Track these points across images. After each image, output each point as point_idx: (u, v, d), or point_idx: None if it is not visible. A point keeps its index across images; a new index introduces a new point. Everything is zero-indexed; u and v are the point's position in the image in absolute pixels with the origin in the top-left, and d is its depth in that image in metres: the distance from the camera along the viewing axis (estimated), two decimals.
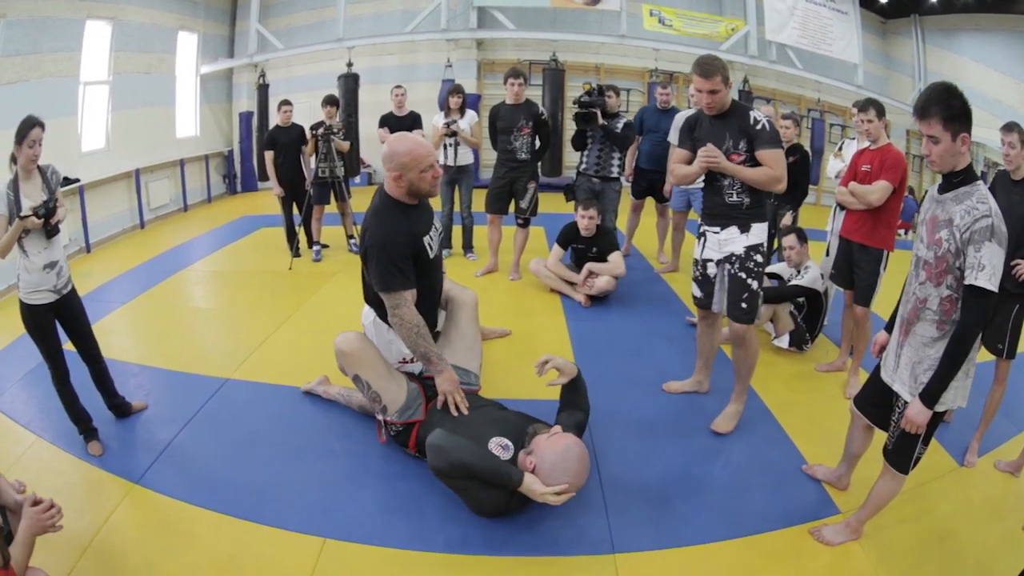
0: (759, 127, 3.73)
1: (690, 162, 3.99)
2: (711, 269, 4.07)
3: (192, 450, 3.80)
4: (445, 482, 3.20)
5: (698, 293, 4.21)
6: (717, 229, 3.99)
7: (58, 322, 3.76)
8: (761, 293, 4.00)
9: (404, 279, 3.51)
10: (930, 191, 2.77)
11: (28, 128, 3.44)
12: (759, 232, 3.92)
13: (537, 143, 6.48)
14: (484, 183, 7.09)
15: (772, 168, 3.74)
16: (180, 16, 10.54)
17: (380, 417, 3.74)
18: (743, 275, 3.92)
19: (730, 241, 3.94)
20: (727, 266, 3.98)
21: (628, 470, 3.68)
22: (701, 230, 4.11)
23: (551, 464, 3.10)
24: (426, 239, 3.66)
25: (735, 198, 3.88)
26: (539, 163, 6.69)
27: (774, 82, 12.36)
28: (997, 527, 3.36)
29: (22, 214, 3.43)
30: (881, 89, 12.24)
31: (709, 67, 3.68)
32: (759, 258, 3.92)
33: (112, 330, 5.38)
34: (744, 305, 3.93)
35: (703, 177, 4.02)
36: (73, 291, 3.81)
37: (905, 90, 12.64)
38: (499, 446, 3.27)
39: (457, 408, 3.57)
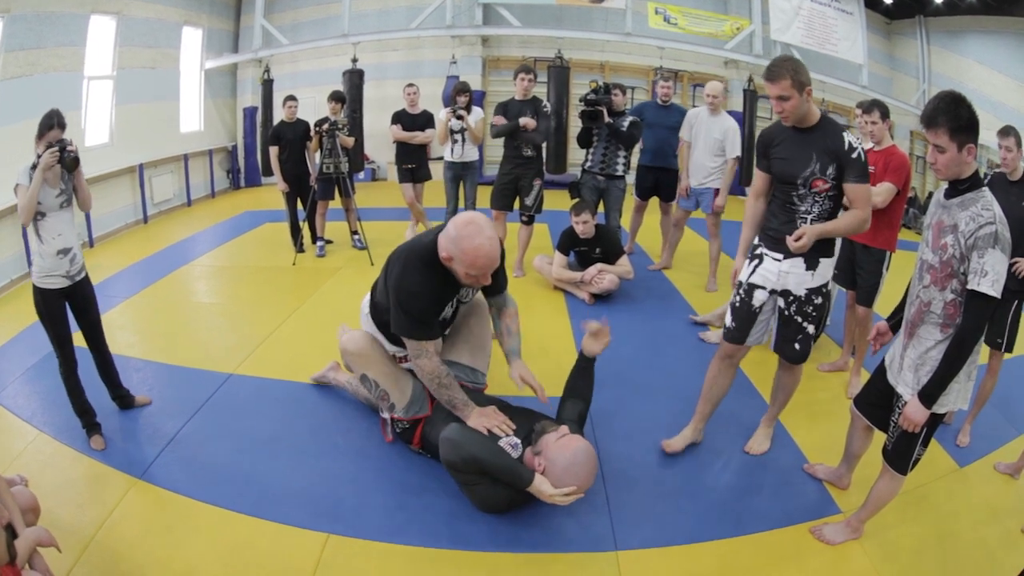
0: (854, 155, 3.20)
1: (769, 185, 3.52)
2: (758, 297, 3.54)
3: (196, 445, 3.81)
4: (455, 476, 3.23)
5: (731, 323, 3.66)
6: (779, 256, 3.43)
7: (69, 308, 3.79)
8: (817, 335, 3.60)
9: (427, 330, 3.41)
10: (936, 195, 2.77)
11: (47, 128, 3.53)
12: (826, 270, 3.45)
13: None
14: (489, 180, 7.09)
15: (860, 209, 3.25)
16: (185, 11, 10.54)
17: (386, 415, 3.74)
18: (799, 319, 3.50)
19: (791, 276, 3.43)
20: (781, 302, 3.53)
21: (631, 468, 3.69)
22: (758, 251, 3.55)
23: (562, 468, 3.09)
24: (448, 306, 3.57)
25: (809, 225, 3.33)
26: (544, 159, 6.66)
27: None
28: (997, 528, 3.37)
29: (37, 151, 3.48)
30: (885, 90, 12.24)
31: (775, 69, 3.19)
32: (819, 300, 3.48)
33: (116, 325, 5.39)
34: (797, 346, 3.56)
35: (775, 192, 3.48)
36: (86, 279, 3.85)
37: (909, 91, 12.63)
38: (508, 445, 3.26)
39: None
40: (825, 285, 3.49)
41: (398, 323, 3.40)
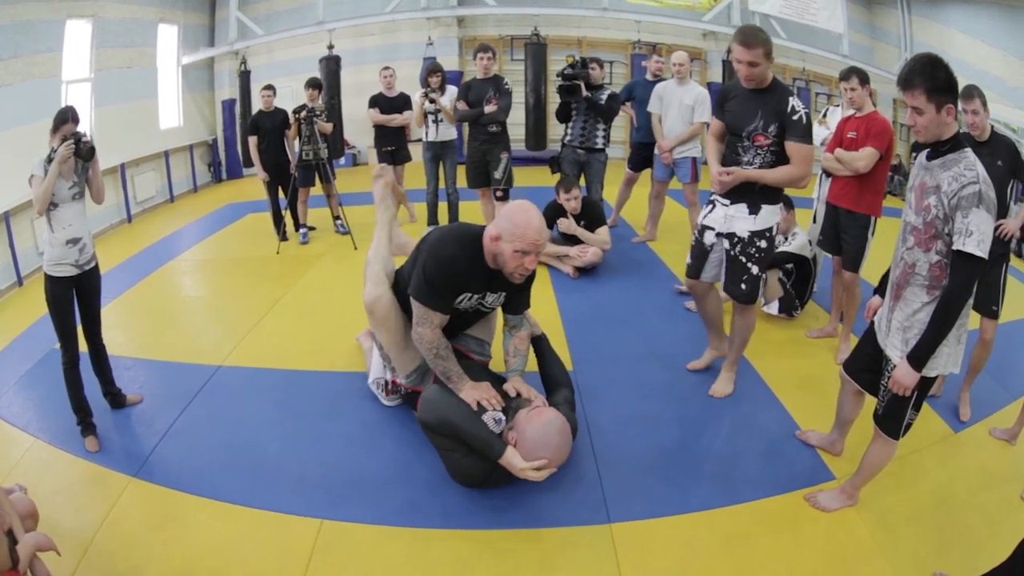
0: (795, 116, 3.51)
1: (723, 134, 3.88)
2: (709, 237, 3.93)
3: (188, 439, 3.81)
4: (430, 437, 3.25)
5: (689, 260, 4.09)
6: (727, 202, 3.82)
7: (76, 298, 3.86)
8: (764, 276, 3.91)
9: (438, 301, 3.38)
10: (919, 157, 2.76)
11: (61, 123, 3.66)
12: (768, 215, 3.78)
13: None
14: None
15: (797, 166, 3.56)
16: (160, 9, 10.37)
17: (389, 376, 3.84)
18: (743, 259, 3.83)
19: (736, 219, 3.80)
20: (726, 244, 3.87)
21: (622, 440, 3.71)
22: (712, 197, 3.94)
23: (532, 439, 3.09)
24: (466, 298, 3.49)
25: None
26: (509, 134, 6.77)
27: None
28: (993, 494, 3.37)
29: (52, 145, 3.60)
30: (867, 59, 12.15)
31: (751, 37, 3.46)
32: (763, 244, 3.80)
33: (104, 324, 5.30)
34: (744, 287, 3.86)
35: (726, 142, 3.86)
36: (95, 269, 3.93)
37: (891, 60, 12.54)
38: (492, 419, 3.25)
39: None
40: (769, 230, 3.81)
41: (416, 283, 3.41)
